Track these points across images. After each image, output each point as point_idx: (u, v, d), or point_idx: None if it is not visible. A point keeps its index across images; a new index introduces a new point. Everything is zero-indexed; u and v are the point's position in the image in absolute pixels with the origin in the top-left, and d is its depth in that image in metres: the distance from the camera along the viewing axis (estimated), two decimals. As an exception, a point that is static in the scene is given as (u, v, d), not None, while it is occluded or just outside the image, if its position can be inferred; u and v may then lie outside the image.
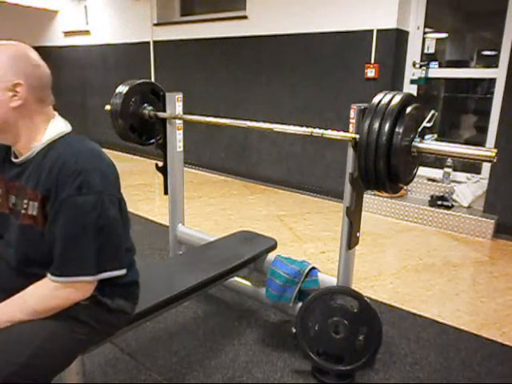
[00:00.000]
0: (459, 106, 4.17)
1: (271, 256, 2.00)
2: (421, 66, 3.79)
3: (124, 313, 1.25)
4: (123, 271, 1.13)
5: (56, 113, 1.17)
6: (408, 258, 2.88)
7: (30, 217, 1.07)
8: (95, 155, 1.10)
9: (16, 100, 1.03)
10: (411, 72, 3.85)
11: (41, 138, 1.10)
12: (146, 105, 2.24)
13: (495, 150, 1.34)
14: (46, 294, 1.05)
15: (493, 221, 3.21)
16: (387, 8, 3.59)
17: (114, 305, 1.20)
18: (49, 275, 1.05)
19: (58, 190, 1.02)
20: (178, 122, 2.24)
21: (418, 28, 3.80)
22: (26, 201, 1.08)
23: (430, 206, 3.52)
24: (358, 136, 1.49)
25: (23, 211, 1.09)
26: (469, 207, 3.46)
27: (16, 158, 1.14)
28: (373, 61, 3.73)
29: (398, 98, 1.43)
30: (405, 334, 1.99)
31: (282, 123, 1.82)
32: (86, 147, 1.10)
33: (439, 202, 3.50)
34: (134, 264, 1.30)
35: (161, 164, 2.33)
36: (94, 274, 1.05)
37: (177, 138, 2.26)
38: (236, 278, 2.02)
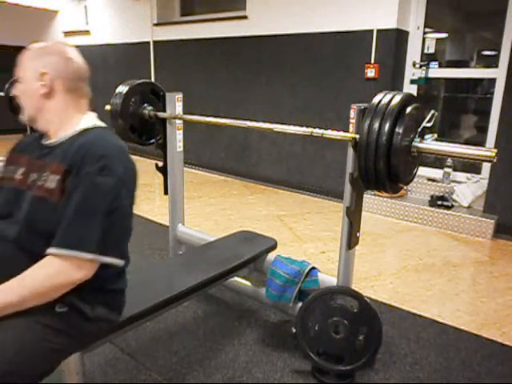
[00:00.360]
0: (459, 106, 4.17)
1: (271, 256, 2.00)
2: (421, 66, 3.79)
3: (105, 321, 1.22)
4: (122, 262, 1.13)
5: (94, 113, 1.27)
6: (408, 257, 2.88)
7: (46, 189, 1.09)
8: (122, 150, 1.17)
9: (43, 88, 1.15)
10: (411, 72, 3.86)
11: (74, 128, 1.18)
12: (145, 105, 2.24)
13: (495, 150, 1.34)
14: (48, 272, 1.03)
15: (493, 221, 3.21)
16: (387, 8, 3.59)
17: (95, 313, 1.16)
18: (51, 249, 1.03)
19: (80, 167, 1.07)
20: (178, 121, 2.24)
21: (418, 28, 3.80)
22: (46, 173, 1.11)
23: (430, 206, 3.52)
24: (358, 136, 1.49)
25: (40, 183, 1.11)
26: (469, 207, 3.46)
27: (47, 141, 1.21)
28: (373, 61, 3.73)
29: (397, 98, 1.43)
30: (405, 334, 1.99)
31: (282, 123, 1.82)
32: (114, 140, 1.18)
33: (439, 202, 3.50)
34: (125, 273, 1.29)
35: (161, 164, 2.33)
36: (96, 253, 1.05)
37: (177, 138, 2.26)
38: (236, 278, 2.02)
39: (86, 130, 1.18)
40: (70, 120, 1.19)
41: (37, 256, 1.05)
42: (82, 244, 1.04)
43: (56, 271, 1.03)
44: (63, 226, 1.04)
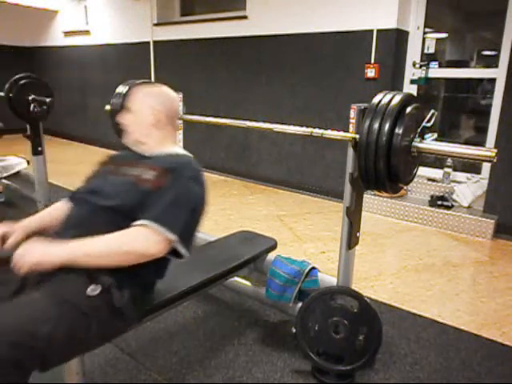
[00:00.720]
0: (459, 106, 4.17)
1: (271, 256, 2.00)
2: (421, 66, 3.79)
3: (125, 319, 1.25)
4: (188, 254, 1.31)
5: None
6: (408, 257, 2.88)
7: (141, 179, 1.31)
8: (203, 174, 1.39)
9: (154, 120, 1.43)
10: (411, 72, 3.85)
11: (167, 150, 1.44)
12: (146, 105, 2.24)
13: (495, 150, 1.34)
14: (136, 236, 1.20)
15: (493, 221, 3.21)
16: (387, 8, 3.59)
17: (122, 301, 1.20)
18: (142, 220, 1.21)
19: (175, 172, 1.30)
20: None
21: (418, 28, 3.80)
22: (140, 169, 1.35)
23: (430, 206, 3.52)
24: (358, 136, 1.49)
25: (136, 173, 1.34)
26: (469, 207, 3.46)
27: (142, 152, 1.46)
28: (373, 61, 3.73)
29: (397, 98, 1.43)
30: (405, 334, 1.99)
31: (282, 123, 1.82)
32: (199, 165, 1.41)
33: (439, 202, 3.50)
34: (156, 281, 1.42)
35: (161, 164, 2.33)
36: (177, 236, 1.23)
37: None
38: (236, 278, 2.02)
39: (177, 155, 1.44)
40: (165, 145, 1.46)
41: (115, 226, 1.22)
42: (169, 225, 1.22)
43: (142, 239, 1.20)
44: (157, 208, 1.24)
